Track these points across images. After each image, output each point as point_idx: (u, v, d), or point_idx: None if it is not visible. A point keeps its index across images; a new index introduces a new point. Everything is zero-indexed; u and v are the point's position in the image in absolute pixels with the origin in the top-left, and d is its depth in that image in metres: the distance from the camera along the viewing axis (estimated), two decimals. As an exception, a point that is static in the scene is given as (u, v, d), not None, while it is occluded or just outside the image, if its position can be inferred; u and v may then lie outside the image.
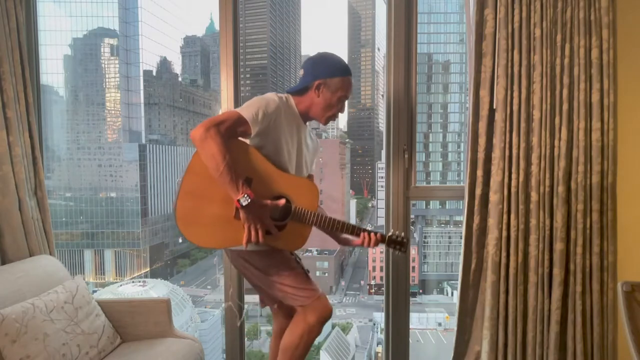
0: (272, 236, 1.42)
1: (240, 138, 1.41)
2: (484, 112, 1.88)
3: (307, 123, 1.62)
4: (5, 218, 1.97)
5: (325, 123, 1.57)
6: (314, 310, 1.47)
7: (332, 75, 1.50)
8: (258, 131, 1.39)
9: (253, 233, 1.36)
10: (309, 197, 1.48)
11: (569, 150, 1.86)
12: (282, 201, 1.43)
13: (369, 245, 1.54)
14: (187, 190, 1.38)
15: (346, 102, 1.57)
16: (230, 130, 1.34)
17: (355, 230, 1.53)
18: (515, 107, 1.85)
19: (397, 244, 1.57)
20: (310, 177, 1.70)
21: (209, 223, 1.39)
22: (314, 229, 1.52)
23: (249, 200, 1.31)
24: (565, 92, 1.84)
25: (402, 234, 1.58)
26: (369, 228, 1.58)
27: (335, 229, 1.51)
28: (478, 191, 1.91)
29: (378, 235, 1.55)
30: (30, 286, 1.75)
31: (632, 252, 1.91)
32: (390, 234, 1.58)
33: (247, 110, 1.38)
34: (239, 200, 1.31)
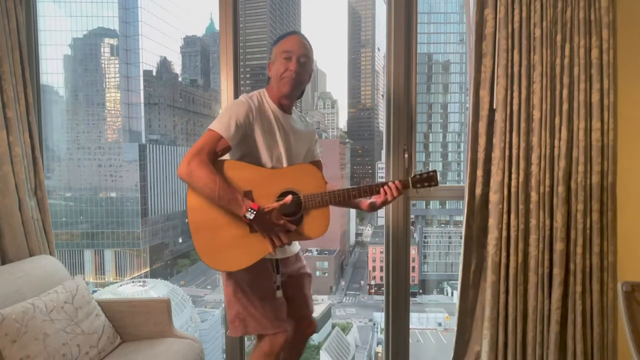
0: (295, 232, 1.41)
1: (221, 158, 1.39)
2: (484, 112, 1.88)
3: (294, 109, 1.59)
4: (5, 218, 1.97)
5: (287, 90, 1.47)
6: (267, 342, 1.51)
7: (273, 46, 1.52)
8: (238, 140, 1.39)
9: (275, 239, 1.37)
10: (312, 180, 1.46)
11: (569, 150, 1.86)
12: (289, 198, 1.40)
13: (392, 196, 1.47)
14: (196, 227, 1.38)
15: (302, 61, 1.46)
16: (211, 154, 1.33)
17: (375, 189, 1.48)
18: (515, 107, 1.85)
19: (425, 182, 1.50)
20: (317, 163, 1.65)
21: (230, 246, 1.39)
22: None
23: (255, 213, 1.31)
24: (565, 92, 1.84)
25: (425, 168, 1.52)
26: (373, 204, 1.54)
27: (353, 197, 1.47)
28: (478, 191, 1.91)
29: (397, 182, 1.48)
30: (30, 286, 1.75)
31: (632, 252, 1.91)
32: (412, 175, 1.51)
33: (219, 124, 1.36)
34: (245, 216, 1.31)
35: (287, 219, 1.40)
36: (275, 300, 1.53)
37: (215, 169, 1.32)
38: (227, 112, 1.40)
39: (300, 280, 1.68)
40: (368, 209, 1.58)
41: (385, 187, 1.47)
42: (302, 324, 1.68)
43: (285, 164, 1.50)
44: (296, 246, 1.66)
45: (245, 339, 2.30)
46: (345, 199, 1.45)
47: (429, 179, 1.50)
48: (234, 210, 1.32)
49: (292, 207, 1.43)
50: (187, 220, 1.39)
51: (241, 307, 1.51)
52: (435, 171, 1.51)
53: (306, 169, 1.49)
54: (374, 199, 1.52)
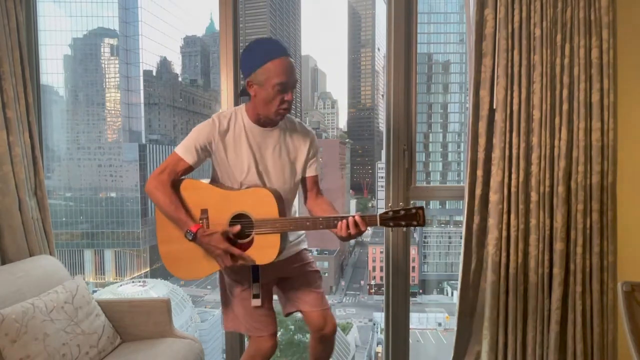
0: (241, 255, 1.39)
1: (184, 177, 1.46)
2: (484, 112, 1.88)
3: (291, 118, 1.53)
4: (5, 218, 1.97)
5: (277, 117, 1.42)
6: (252, 343, 1.60)
7: (256, 67, 1.37)
8: (202, 161, 1.47)
9: (218, 260, 1.39)
10: (265, 206, 1.39)
11: (569, 150, 1.86)
12: (236, 228, 1.40)
13: (348, 234, 1.31)
14: (161, 240, 1.49)
15: (295, 87, 1.40)
16: (172, 174, 1.42)
17: (332, 222, 1.35)
18: (515, 107, 1.85)
19: (403, 220, 1.28)
20: (309, 179, 1.58)
21: (188, 259, 1.45)
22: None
23: (192, 235, 1.37)
24: (565, 92, 1.84)
25: (407, 206, 1.30)
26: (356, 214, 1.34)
27: (307, 227, 1.39)
28: (478, 191, 1.91)
29: (357, 217, 1.30)
30: (30, 286, 1.75)
31: (632, 252, 1.91)
32: (384, 211, 1.30)
33: (182, 147, 1.44)
34: (185, 236, 1.38)
35: (239, 240, 1.41)
36: (251, 307, 1.55)
37: (174, 188, 1.43)
38: (191, 134, 1.45)
39: (304, 280, 1.63)
40: (339, 238, 1.39)
41: (342, 221, 1.32)
42: (319, 321, 1.62)
43: (257, 181, 1.47)
44: (294, 248, 1.61)
45: (245, 339, 2.30)
46: (296, 227, 1.41)
47: (408, 218, 1.27)
48: (180, 228, 1.40)
49: (244, 231, 1.42)
50: None
51: (228, 304, 1.62)
52: (422, 208, 1.27)
53: (259, 194, 1.42)
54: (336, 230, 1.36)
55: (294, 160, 1.55)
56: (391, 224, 1.30)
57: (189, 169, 1.45)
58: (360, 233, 1.33)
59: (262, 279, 1.55)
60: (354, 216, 1.31)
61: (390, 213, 1.29)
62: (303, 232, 1.66)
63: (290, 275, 1.64)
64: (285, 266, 1.60)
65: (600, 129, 1.84)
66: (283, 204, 1.44)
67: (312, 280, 1.65)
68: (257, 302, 1.53)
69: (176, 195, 1.42)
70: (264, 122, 1.47)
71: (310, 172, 1.59)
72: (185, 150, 1.43)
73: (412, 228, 1.35)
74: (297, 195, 1.63)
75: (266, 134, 1.49)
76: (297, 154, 1.55)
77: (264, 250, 1.41)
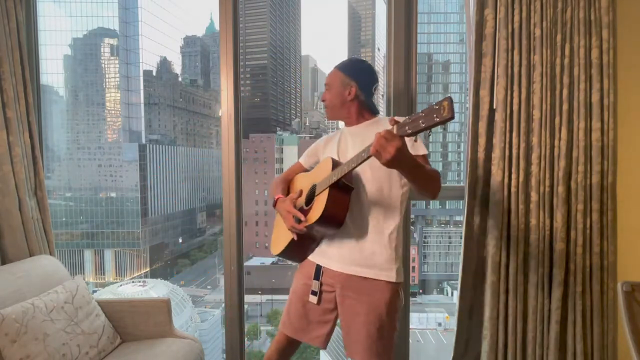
0: (295, 214, 1.46)
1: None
2: (484, 112, 1.88)
3: (376, 120, 1.55)
4: (5, 218, 1.97)
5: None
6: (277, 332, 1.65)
7: None
8: (314, 162, 1.72)
9: (287, 225, 1.50)
10: (324, 169, 1.47)
11: (569, 150, 1.86)
12: (296, 195, 1.59)
13: (380, 148, 1.09)
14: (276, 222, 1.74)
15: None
16: (291, 172, 1.76)
17: (367, 155, 1.22)
18: (515, 107, 1.85)
19: (423, 121, 0.99)
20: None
21: (279, 229, 1.66)
22: None
23: (274, 202, 1.61)
24: (565, 92, 1.84)
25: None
26: None
27: (345, 171, 1.32)
28: (478, 191, 1.91)
29: (383, 132, 1.10)
30: (30, 286, 1.75)
31: (632, 252, 1.91)
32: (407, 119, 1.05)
33: (301, 156, 1.78)
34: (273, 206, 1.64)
35: (305, 207, 1.52)
36: (302, 302, 1.55)
37: (288, 179, 1.76)
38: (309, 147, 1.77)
39: (349, 313, 1.46)
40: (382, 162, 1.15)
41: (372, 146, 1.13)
42: None
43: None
44: (353, 266, 1.46)
45: (245, 339, 2.30)
46: (337, 175, 1.34)
47: (429, 116, 0.98)
48: None
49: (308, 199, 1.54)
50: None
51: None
52: (447, 99, 0.95)
53: (323, 162, 1.53)
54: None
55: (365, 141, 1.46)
56: (408, 129, 1.04)
57: (304, 169, 1.76)
58: (394, 149, 1.09)
59: (323, 284, 1.50)
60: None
61: (408, 119, 1.04)
62: (379, 258, 1.47)
63: (341, 299, 1.48)
64: (339, 282, 1.48)
65: (600, 129, 1.84)
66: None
67: (357, 321, 1.45)
68: (313, 298, 1.52)
69: (284, 182, 1.73)
70: (345, 122, 1.64)
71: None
72: (302, 156, 1.78)
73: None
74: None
75: (351, 132, 1.59)
76: (362, 137, 1.50)
77: (315, 209, 1.44)
